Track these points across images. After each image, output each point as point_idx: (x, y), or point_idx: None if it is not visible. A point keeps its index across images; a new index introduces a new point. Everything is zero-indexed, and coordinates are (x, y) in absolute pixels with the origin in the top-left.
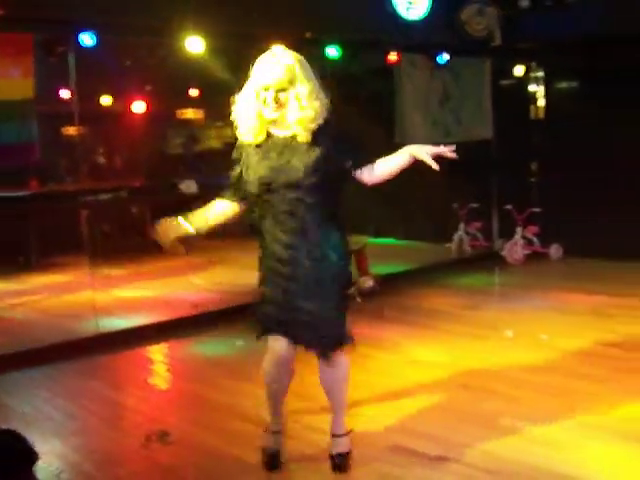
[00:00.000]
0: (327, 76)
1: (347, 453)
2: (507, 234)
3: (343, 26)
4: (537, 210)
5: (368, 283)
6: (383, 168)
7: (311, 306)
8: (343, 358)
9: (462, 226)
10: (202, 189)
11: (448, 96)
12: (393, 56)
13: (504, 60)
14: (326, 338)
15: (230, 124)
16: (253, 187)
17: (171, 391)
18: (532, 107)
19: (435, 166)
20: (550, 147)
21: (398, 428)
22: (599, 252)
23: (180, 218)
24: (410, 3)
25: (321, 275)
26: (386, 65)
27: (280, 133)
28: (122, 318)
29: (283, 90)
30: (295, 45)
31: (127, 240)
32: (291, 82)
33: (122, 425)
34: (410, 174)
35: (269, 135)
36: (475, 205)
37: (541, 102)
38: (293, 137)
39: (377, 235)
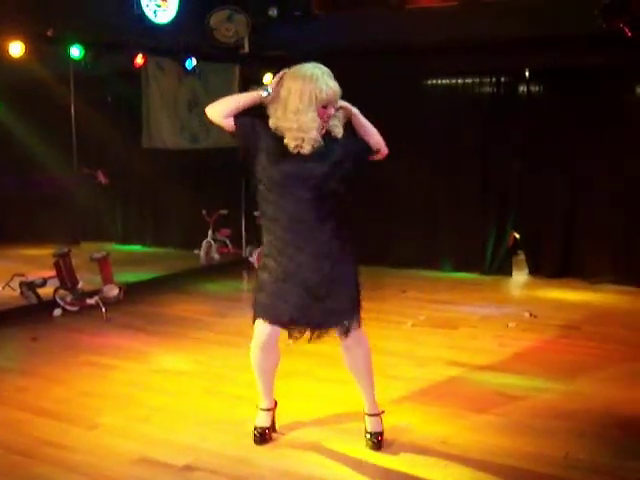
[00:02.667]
0: (69, 77)
1: (382, 432)
2: (255, 241)
3: (87, 25)
4: None
5: (113, 292)
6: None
7: (336, 273)
8: (363, 331)
9: (210, 233)
10: None
11: (197, 101)
12: (140, 59)
13: (253, 67)
14: (352, 307)
15: None
16: (275, 176)
17: None
18: None
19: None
20: None
21: (144, 439)
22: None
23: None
24: (158, 6)
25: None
26: (133, 68)
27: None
28: None
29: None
30: (35, 43)
31: None
32: None
33: None
34: (159, 179)
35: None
36: (224, 212)
37: None
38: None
39: (123, 241)
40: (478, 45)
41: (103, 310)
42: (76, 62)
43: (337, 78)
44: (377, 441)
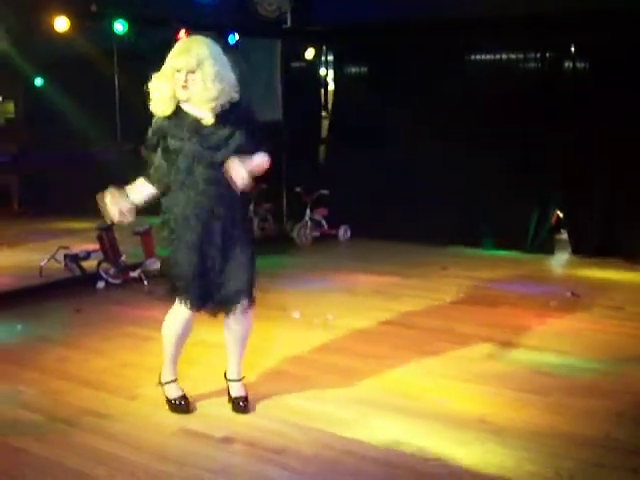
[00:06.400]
0: (113, 52)
1: (247, 396)
2: (297, 216)
3: (131, 1)
4: (325, 192)
5: (155, 265)
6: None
7: (233, 258)
8: (252, 313)
9: (251, 207)
10: None
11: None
12: (183, 34)
13: (295, 42)
14: (247, 290)
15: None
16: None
17: None
18: (322, 90)
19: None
20: (339, 130)
21: None
22: (385, 234)
23: (124, 190)
24: None
25: (240, 236)
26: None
27: (195, 112)
28: None
29: (192, 72)
30: (79, 18)
31: None
32: (199, 65)
33: None
34: None
35: (181, 111)
36: (264, 187)
37: (331, 86)
38: (202, 118)
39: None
40: (523, 20)
41: (145, 283)
42: (120, 37)
43: (380, 52)
44: (245, 404)
